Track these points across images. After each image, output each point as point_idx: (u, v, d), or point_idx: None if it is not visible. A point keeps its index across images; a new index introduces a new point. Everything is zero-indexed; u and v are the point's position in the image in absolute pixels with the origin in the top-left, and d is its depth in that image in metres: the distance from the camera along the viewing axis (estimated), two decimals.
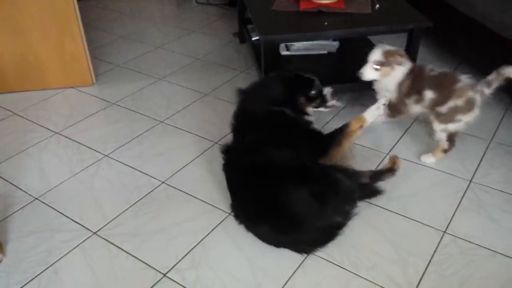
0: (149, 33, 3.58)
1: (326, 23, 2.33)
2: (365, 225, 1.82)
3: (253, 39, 2.98)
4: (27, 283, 1.62)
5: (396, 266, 1.65)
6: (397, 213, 1.87)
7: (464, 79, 1.99)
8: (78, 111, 2.60)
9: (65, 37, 2.66)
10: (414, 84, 2.09)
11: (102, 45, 3.36)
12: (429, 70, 2.07)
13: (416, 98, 2.09)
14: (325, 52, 2.81)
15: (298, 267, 1.65)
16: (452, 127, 2.04)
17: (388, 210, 1.89)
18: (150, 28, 3.69)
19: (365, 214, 1.86)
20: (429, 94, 2.03)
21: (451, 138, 2.09)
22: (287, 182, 1.70)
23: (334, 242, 1.74)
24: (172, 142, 2.34)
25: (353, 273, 1.63)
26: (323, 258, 1.68)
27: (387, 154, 2.21)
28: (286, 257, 1.69)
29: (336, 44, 2.81)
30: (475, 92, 1.97)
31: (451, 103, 1.98)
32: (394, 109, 2.20)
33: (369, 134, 2.31)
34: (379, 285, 1.58)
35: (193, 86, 2.83)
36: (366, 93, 2.65)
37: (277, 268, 1.65)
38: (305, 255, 1.69)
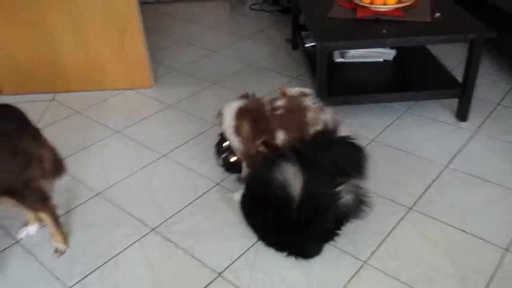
0: (204, 38, 3.67)
1: (384, 31, 2.31)
2: (423, 238, 1.79)
3: (306, 45, 2.99)
4: (89, 273, 1.69)
5: (454, 281, 1.61)
6: (455, 227, 1.82)
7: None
8: (137, 111, 2.70)
9: (126, 39, 2.77)
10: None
11: (159, 48, 3.47)
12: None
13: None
14: (381, 60, 2.78)
15: (352, 277, 1.64)
16: None
17: (446, 224, 1.84)
18: (204, 33, 3.78)
19: (422, 227, 1.83)
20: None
21: None
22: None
23: (390, 253, 1.72)
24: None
25: (410, 286, 1.60)
26: (378, 270, 1.66)
27: (445, 166, 2.16)
28: (341, 266, 1.68)
29: (392, 52, 2.78)
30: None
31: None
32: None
33: (428, 142, 2.27)
34: None
35: (246, 91, 2.86)
36: (419, 103, 2.62)
37: (332, 276, 1.65)
38: (361, 263, 1.68)
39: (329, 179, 1.66)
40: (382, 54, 2.77)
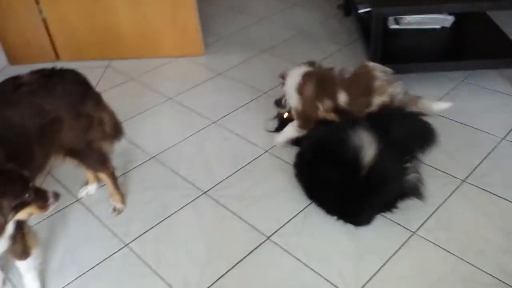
0: (253, 5, 3.64)
1: None
2: (475, 210, 1.75)
3: (359, 11, 2.91)
4: (144, 232, 1.79)
5: (506, 256, 1.58)
6: (510, 201, 1.77)
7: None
8: (188, 79, 2.75)
9: (179, 8, 2.80)
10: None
11: (209, 16, 3.48)
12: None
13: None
14: (438, 26, 2.67)
15: (402, 245, 1.64)
16: None
17: (501, 197, 1.79)
18: (253, 0, 3.74)
19: (476, 199, 1.79)
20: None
21: None
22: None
23: (441, 224, 1.70)
24: (275, 113, 2.39)
25: (459, 257, 1.58)
26: (428, 240, 1.65)
27: (502, 139, 2.08)
28: (390, 234, 1.69)
29: (450, 18, 2.66)
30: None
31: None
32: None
33: (485, 114, 2.20)
34: (487, 273, 1.53)
35: (296, 59, 2.84)
36: (477, 72, 2.51)
37: (380, 243, 1.66)
38: (411, 233, 1.68)
39: (399, 153, 1.68)
40: (440, 20, 2.65)
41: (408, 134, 1.75)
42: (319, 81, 1.96)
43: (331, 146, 1.75)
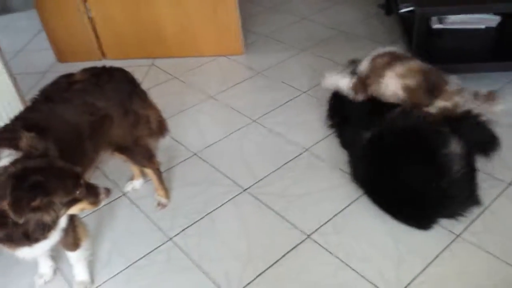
0: (294, 4, 3.64)
1: None
2: None
3: (401, 11, 2.86)
4: (187, 226, 1.84)
5: None
6: None
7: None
8: (229, 78, 2.79)
9: (220, 7, 2.84)
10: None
11: (250, 15, 3.52)
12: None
13: None
14: (483, 26, 2.61)
15: (444, 249, 1.62)
16: None
17: None
18: None
19: None
20: None
21: None
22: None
23: (487, 227, 1.67)
24: (313, 112, 2.41)
25: (504, 261, 1.55)
26: (472, 244, 1.63)
27: None
28: (433, 236, 1.67)
29: (497, 18, 2.59)
30: None
31: None
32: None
33: None
34: None
35: (336, 59, 2.85)
36: None
37: (422, 246, 1.64)
38: (455, 236, 1.66)
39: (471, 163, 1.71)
40: (485, 20, 2.59)
41: (475, 144, 1.77)
42: (392, 61, 2.00)
43: (424, 144, 1.71)
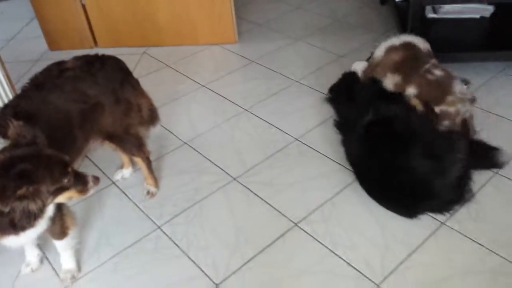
0: None
1: None
2: (507, 203, 1.72)
3: (396, 0, 2.86)
4: (176, 215, 1.85)
5: None
6: None
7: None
8: (221, 67, 2.78)
9: None
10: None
11: (244, 4, 3.49)
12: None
13: None
14: (477, 16, 2.60)
15: (429, 236, 1.64)
16: None
17: None
18: None
19: (508, 192, 1.76)
20: None
21: None
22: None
23: (471, 216, 1.68)
24: (305, 101, 2.41)
25: (490, 250, 1.57)
26: (457, 231, 1.64)
27: None
28: (418, 224, 1.68)
29: (490, 8, 2.58)
30: None
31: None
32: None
33: None
34: None
35: (330, 48, 2.84)
36: None
37: (408, 233, 1.66)
38: (439, 223, 1.67)
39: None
40: (479, 10, 2.58)
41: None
42: (407, 58, 2.08)
43: (429, 138, 1.75)
